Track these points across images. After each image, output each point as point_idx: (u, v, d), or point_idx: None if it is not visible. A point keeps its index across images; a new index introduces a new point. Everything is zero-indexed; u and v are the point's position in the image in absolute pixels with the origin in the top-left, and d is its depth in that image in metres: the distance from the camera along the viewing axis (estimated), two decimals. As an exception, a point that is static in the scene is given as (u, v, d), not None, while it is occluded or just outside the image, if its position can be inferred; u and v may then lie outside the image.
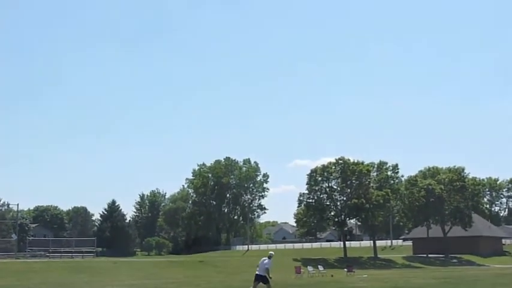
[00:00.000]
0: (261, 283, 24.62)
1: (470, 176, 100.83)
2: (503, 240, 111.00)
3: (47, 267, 54.51)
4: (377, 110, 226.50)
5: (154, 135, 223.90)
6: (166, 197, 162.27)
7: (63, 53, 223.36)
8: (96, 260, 70.10)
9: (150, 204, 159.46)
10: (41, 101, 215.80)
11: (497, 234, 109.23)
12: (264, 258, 25.40)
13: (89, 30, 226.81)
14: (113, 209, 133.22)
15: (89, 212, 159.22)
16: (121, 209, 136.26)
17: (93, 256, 76.09)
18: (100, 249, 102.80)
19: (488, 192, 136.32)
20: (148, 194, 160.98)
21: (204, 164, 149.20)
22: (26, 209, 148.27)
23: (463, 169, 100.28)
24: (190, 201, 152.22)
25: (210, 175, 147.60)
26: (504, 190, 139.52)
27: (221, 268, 70.26)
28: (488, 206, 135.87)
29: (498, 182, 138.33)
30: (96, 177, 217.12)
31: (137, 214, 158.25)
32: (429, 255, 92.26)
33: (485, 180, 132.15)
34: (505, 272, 53.70)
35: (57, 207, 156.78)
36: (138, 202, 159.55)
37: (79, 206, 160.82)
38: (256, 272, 25.00)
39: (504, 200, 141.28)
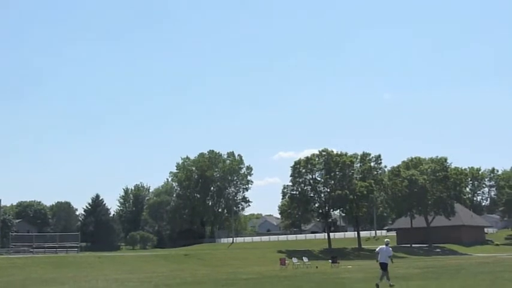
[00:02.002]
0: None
1: (452, 166, 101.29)
2: (486, 229, 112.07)
3: (31, 263, 54.15)
4: (360, 101, 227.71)
5: (137, 129, 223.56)
6: (151, 190, 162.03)
7: (47, 49, 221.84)
8: (80, 255, 69.72)
9: (134, 198, 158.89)
10: (24, 97, 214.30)
11: (480, 224, 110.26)
12: (382, 246, 25.51)
13: (73, 25, 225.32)
14: (96, 204, 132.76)
15: (72, 207, 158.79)
16: (105, 204, 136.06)
17: (77, 251, 75.61)
18: (84, 244, 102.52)
19: (471, 182, 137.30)
20: (133, 188, 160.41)
21: (187, 158, 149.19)
22: (8, 205, 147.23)
23: (446, 159, 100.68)
24: (174, 195, 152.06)
25: (194, 168, 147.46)
26: (486, 180, 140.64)
27: (206, 261, 70.24)
28: (470, 195, 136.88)
29: (480, 172, 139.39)
30: (80, 172, 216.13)
31: (121, 208, 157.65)
32: (413, 245, 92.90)
33: (468, 170, 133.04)
34: (487, 260, 54.29)
35: (40, 202, 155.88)
36: (122, 196, 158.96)
37: (62, 201, 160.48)
38: (380, 261, 25.03)
39: (486, 189, 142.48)
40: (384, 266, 24.62)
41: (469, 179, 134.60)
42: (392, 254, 25.48)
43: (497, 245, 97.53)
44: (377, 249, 25.67)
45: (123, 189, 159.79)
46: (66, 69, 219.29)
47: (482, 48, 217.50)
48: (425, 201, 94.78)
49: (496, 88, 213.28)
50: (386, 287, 23.67)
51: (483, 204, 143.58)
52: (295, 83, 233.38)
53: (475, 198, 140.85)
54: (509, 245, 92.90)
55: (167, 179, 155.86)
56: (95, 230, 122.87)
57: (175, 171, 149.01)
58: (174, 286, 27.68)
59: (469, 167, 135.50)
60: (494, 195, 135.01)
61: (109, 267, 55.25)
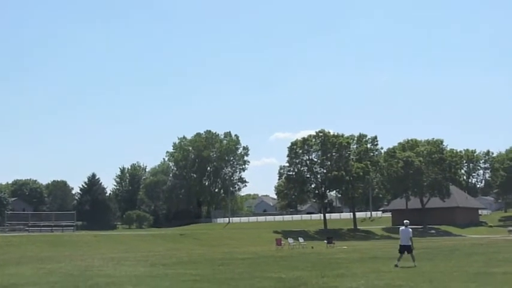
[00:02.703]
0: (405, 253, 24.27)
1: (448, 148, 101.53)
2: (480, 211, 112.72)
3: (26, 241, 54.31)
4: (357, 82, 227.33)
5: (134, 108, 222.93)
6: (147, 170, 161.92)
7: (42, 27, 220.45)
8: (76, 234, 69.91)
9: (131, 177, 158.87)
10: (20, 75, 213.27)
11: (474, 205, 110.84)
12: (402, 227, 24.82)
13: (66, 7, 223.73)
14: (92, 183, 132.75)
15: (68, 185, 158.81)
16: (101, 183, 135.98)
17: (73, 230, 75.70)
18: (80, 222, 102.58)
19: (466, 164, 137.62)
20: (129, 168, 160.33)
21: (184, 137, 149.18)
22: (4, 183, 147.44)
23: (442, 141, 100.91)
24: (170, 175, 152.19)
25: (190, 148, 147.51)
26: (481, 162, 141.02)
27: (202, 241, 70.53)
28: (465, 177, 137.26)
29: (475, 154, 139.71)
30: (76, 151, 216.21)
31: (117, 187, 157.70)
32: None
33: (463, 152, 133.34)
34: (481, 242, 54.68)
35: (36, 181, 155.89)
36: (119, 175, 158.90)
37: (59, 179, 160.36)
38: (401, 243, 24.42)
39: (481, 171, 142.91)
40: (406, 248, 24.02)
41: (464, 161, 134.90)
42: (412, 235, 24.73)
43: (491, 226, 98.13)
44: (399, 232, 24.87)
45: (120, 169, 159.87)
46: (64, 48, 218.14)
47: (478, 31, 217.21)
48: (421, 183, 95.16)
49: (492, 71, 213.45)
50: (409, 264, 23.44)
51: (478, 186, 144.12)
52: (292, 63, 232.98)
53: (470, 180, 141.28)
54: (503, 226, 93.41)
55: (164, 159, 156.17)
56: (91, 209, 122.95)
57: (172, 151, 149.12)
58: (170, 265, 27.87)
59: (464, 149, 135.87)
60: (489, 177, 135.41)
61: (105, 246, 55.48)
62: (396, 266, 23.49)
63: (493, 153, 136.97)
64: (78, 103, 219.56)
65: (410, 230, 24.71)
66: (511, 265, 24.30)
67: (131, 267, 26.57)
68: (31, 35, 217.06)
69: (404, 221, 25.26)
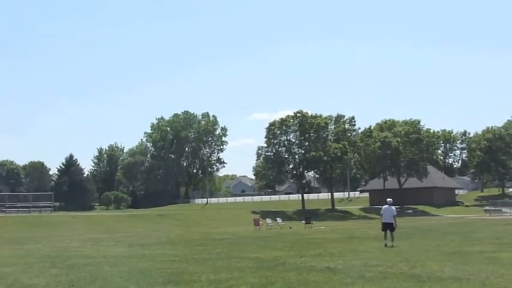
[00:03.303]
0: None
1: (425, 129, 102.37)
2: (456, 191, 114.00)
3: (4, 222, 54.01)
4: (336, 63, 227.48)
5: (111, 88, 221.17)
6: (125, 151, 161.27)
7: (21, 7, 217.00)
8: (54, 215, 69.64)
9: (109, 158, 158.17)
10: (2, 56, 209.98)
11: (451, 185, 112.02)
12: (386, 206, 24.48)
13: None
14: (70, 164, 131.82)
15: (46, 166, 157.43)
16: (79, 164, 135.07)
17: (51, 211, 75.31)
18: (58, 203, 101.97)
19: (443, 144, 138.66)
20: (107, 148, 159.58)
21: (162, 118, 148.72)
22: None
23: (419, 122, 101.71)
24: (148, 155, 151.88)
25: (168, 129, 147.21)
26: (458, 142, 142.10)
27: (180, 221, 70.64)
28: (442, 157, 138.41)
29: (452, 134, 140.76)
30: (53, 132, 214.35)
31: (95, 168, 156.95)
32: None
33: (440, 132, 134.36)
34: (457, 221, 55.41)
35: (13, 162, 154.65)
36: (96, 156, 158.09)
37: (36, 160, 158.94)
38: (383, 221, 24.20)
39: (458, 151, 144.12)
40: (388, 226, 23.96)
41: (441, 141, 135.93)
42: (396, 214, 24.53)
43: (467, 206, 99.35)
44: (381, 210, 24.73)
45: (97, 150, 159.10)
46: (47, 26, 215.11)
47: (456, 11, 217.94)
48: (398, 163, 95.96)
49: (470, 51, 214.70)
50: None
51: (455, 166, 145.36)
52: (271, 43, 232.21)
53: (446, 161, 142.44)
54: (479, 206, 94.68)
55: (141, 140, 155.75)
56: (69, 190, 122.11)
57: (150, 131, 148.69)
58: (148, 246, 27.84)
59: (441, 130, 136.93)
60: (466, 157, 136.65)
61: (83, 227, 55.34)
62: (386, 245, 23.45)
63: (469, 134, 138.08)
64: (54, 83, 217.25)
65: (394, 208, 24.57)
66: (487, 244, 24.63)
67: (109, 248, 26.52)
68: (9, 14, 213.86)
69: (388, 199, 25.09)
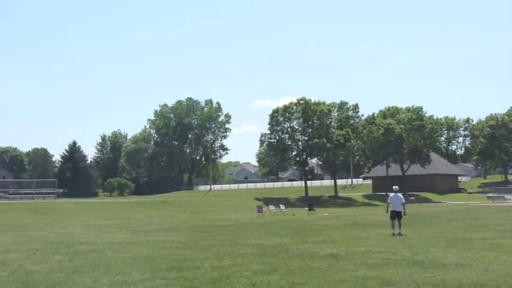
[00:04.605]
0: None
1: (428, 116, 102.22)
2: (459, 178, 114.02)
3: (8, 209, 54.12)
4: (339, 50, 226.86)
5: (113, 75, 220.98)
6: (128, 137, 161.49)
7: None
8: (58, 201, 69.78)
9: (112, 145, 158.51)
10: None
11: (454, 172, 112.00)
12: (392, 194, 24.17)
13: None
14: (73, 150, 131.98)
15: (49, 153, 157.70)
16: (82, 150, 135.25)
17: (54, 197, 75.52)
18: (61, 190, 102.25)
19: (446, 131, 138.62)
20: (110, 135, 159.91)
21: (165, 105, 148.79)
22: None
23: (421, 108, 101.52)
24: (152, 142, 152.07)
25: (171, 115, 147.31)
26: (461, 129, 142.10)
27: (184, 208, 70.77)
28: (445, 144, 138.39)
29: (455, 121, 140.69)
30: (57, 118, 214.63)
31: (99, 155, 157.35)
32: (388, 193, 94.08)
33: (443, 119, 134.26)
34: (460, 208, 55.39)
35: (16, 148, 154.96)
36: (100, 143, 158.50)
37: (39, 147, 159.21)
38: (392, 209, 23.85)
39: (461, 138, 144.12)
40: (397, 214, 23.65)
41: (444, 128, 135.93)
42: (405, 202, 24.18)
43: (470, 193, 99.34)
44: (389, 198, 24.27)
45: (101, 136, 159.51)
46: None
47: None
48: (401, 150, 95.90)
49: (472, 37, 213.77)
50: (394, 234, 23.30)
51: (457, 153, 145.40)
52: (274, 30, 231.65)
53: (449, 148, 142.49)
54: (482, 193, 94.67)
55: (145, 126, 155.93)
56: (72, 176, 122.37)
57: (153, 118, 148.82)
58: (151, 232, 27.91)
59: (444, 117, 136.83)
60: (469, 144, 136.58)
61: (86, 214, 55.46)
62: (393, 234, 23.33)
63: (472, 121, 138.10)
64: (58, 69, 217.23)
65: (401, 196, 24.31)
66: (489, 231, 24.64)
67: (112, 235, 26.58)
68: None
69: (394, 187, 24.81)
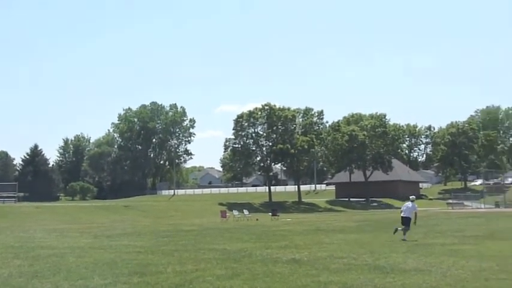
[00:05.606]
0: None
1: (391, 123, 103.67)
2: (421, 184, 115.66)
3: (-34, 213, 53.13)
4: (304, 56, 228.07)
5: (77, 78, 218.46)
6: (91, 141, 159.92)
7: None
8: (18, 205, 68.68)
9: (75, 148, 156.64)
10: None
11: (415, 179, 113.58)
12: (407, 203, 24.65)
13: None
14: (35, 154, 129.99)
15: (10, 156, 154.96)
16: (44, 154, 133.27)
17: (15, 201, 74.34)
18: (22, 194, 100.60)
19: (408, 138, 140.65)
20: (73, 139, 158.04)
21: (129, 109, 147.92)
22: None
23: (385, 115, 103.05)
24: (115, 146, 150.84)
25: (136, 119, 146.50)
26: (422, 136, 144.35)
27: (147, 212, 70.31)
28: (407, 151, 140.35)
29: (417, 129, 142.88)
30: (18, 121, 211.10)
31: (61, 159, 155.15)
32: (351, 199, 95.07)
33: (405, 126, 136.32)
34: (421, 214, 55.98)
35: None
36: (62, 147, 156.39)
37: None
38: (403, 215, 24.09)
39: (422, 146, 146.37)
40: (405, 220, 23.90)
41: (407, 135, 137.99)
42: (417, 210, 24.56)
43: (431, 199, 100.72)
44: (402, 207, 24.91)
45: (63, 140, 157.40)
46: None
47: (416, 5, 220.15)
48: (364, 156, 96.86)
49: (434, 47, 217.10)
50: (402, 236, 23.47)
51: (419, 160, 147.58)
52: (239, 36, 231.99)
53: (411, 154, 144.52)
54: (442, 199, 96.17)
55: (108, 130, 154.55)
56: (33, 180, 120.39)
57: (117, 122, 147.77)
58: (114, 237, 27.70)
59: (406, 124, 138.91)
60: (430, 151, 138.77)
61: (48, 218, 54.68)
62: (396, 230, 23.74)
63: (434, 128, 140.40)
64: (19, 72, 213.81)
65: (416, 205, 24.68)
66: (448, 237, 25.12)
67: (74, 239, 26.32)
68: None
69: (411, 197, 25.46)
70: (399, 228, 23.91)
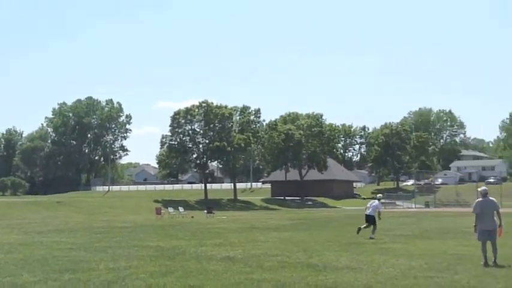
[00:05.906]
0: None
1: (327, 123, 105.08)
2: (355, 184, 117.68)
3: None
4: (243, 54, 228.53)
5: (11, 71, 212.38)
6: (24, 135, 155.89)
7: None
8: None
9: (6, 142, 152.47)
10: None
11: (350, 178, 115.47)
12: (373, 201, 24.99)
13: None
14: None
15: None
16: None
17: None
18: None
19: (343, 138, 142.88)
20: (4, 133, 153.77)
21: (64, 103, 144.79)
22: None
23: (321, 115, 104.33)
24: (49, 141, 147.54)
25: (70, 114, 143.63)
26: (357, 137, 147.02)
27: (80, 209, 69.20)
28: (342, 151, 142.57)
29: (352, 129, 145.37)
30: None
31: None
32: (286, 198, 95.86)
33: (341, 126, 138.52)
34: (354, 213, 57.11)
35: None
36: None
37: None
38: (367, 212, 24.27)
39: (357, 146, 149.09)
40: (369, 218, 24.22)
41: (342, 135, 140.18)
42: (382, 209, 24.86)
43: (364, 198, 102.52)
44: (368, 204, 25.26)
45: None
46: None
47: (358, 8, 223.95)
48: (300, 155, 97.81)
49: (371, 50, 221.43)
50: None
51: (354, 160, 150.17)
52: (179, 33, 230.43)
53: (346, 154, 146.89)
54: (375, 199, 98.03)
55: (42, 124, 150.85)
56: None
57: (51, 116, 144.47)
58: (45, 233, 27.15)
59: (342, 124, 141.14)
60: (364, 151, 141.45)
61: (-24, 213, 53.17)
62: (359, 229, 24.15)
63: (368, 129, 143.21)
64: None
65: (381, 204, 25.29)
66: (380, 235, 25.60)
67: (4, 235, 25.69)
68: None
69: (378, 195, 26.46)
70: (362, 227, 24.32)
